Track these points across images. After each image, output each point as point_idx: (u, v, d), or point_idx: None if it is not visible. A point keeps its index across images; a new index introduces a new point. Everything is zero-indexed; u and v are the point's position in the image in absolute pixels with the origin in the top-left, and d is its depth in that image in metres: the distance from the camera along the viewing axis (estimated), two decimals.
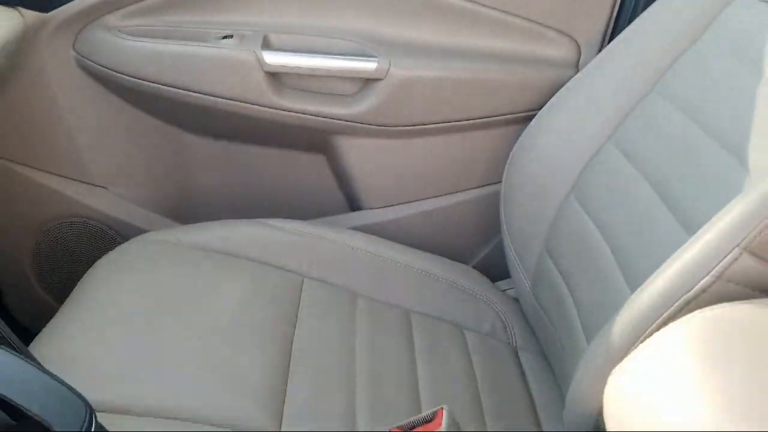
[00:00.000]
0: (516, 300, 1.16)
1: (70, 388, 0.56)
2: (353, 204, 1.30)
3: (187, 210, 1.30)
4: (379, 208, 1.29)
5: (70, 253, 1.29)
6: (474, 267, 1.26)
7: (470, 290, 1.15)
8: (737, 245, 0.56)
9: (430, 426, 0.64)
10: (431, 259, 1.18)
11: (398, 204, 1.28)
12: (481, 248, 1.30)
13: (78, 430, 0.54)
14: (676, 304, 0.58)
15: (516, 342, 1.09)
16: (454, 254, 1.25)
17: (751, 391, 0.43)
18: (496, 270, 1.25)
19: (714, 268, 0.57)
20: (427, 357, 0.98)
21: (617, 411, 0.50)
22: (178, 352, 0.85)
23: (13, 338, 0.60)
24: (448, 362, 0.99)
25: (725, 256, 0.57)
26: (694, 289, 0.58)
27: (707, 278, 0.57)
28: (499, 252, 1.18)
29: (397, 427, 0.66)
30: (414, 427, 0.65)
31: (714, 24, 0.93)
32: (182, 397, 0.79)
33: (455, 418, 0.64)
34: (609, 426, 0.52)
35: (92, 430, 0.55)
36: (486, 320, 1.11)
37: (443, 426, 0.62)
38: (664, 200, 0.80)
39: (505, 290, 1.21)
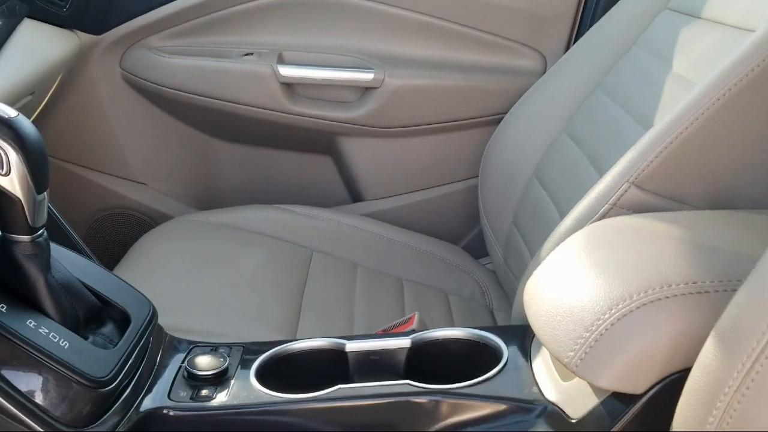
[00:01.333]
0: (493, 272, 1.34)
1: (139, 292, 0.76)
2: (355, 196, 1.50)
3: (212, 202, 1.50)
4: (378, 199, 1.48)
5: (116, 239, 1.49)
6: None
7: (455, 263, 1.34)
8: (627, 181, 0.75)
9: (405, 326, 0.83)
10: (422, 238, 1.37)
11: (394, 195, 1.48)
12: (466, 233, 1.49)
13: (146, 317, 0.73)
14: (585, 226, 0.77)
15: (492, 304, 1.27)
16: (443, 237, 1.44)
17: (616, 259, 0.61)
18: (477, 250, 1.43)
19: (611, 198, 0.76)
20: (414, 310, 1.16)
21: (528, 303, 0.68)
22: (212, 296, 1.04)
23: (95, 260, 0.80)
24: (431, 317, 1.17)
25: (618, 190, 0.76)
26: (597, 215, 0.76)
27: (606, 206, 0.76)
28: (481, 236, 1.37)
29: (382, 330, 0.85)
30: (394, 328, 0.84)
31: (644, 33, 1.13)
32: (216, 325, 0.98)
33: (425, 321, 0.83)
34: (528, 319, 0.69)
35: (155, 320, 0.75)
36: (467, 287, 1.29)
37: (414, 325, 0.81)
38: (594, 166, 0.99)
39: (485, 264, 1.40)
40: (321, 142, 1.45)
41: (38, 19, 1.23)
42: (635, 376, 0.56)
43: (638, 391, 0.57)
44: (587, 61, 1.21)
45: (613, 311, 0.57)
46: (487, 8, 1.38)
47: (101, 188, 1.46)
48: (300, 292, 1.12)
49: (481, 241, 1.37)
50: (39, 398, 0.60)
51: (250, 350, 0.77)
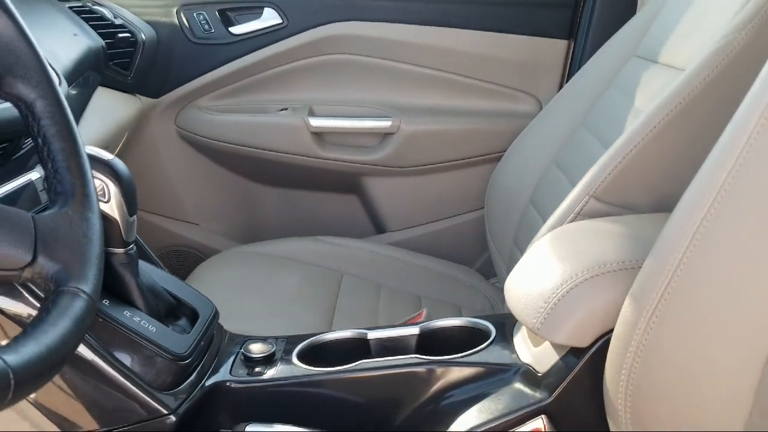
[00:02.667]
0: (501, 288, 1.51)
1: (203, 295, 0.95)
2: (379, 228, 1.69)
3: (254, 236, 1.70)
4: (398, 230, 1.67)
5: (176, 271, 1.70)
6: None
7: (467, 282, 1.51)
8: (587, 194, 0.93)
9: (416, 319, 1.00)
10: (438, 261, 1.55)
11: (413, 226, 1.67)
12: (477, 256, 1.67)
13: (210, 313, 0.92)
14: None
15: None
16: (457, 261, 1.62)
17: (569, 250, 0.79)
18: (488, 271, 1.61)
19: (575, 209, 0.94)
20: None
21: (508, 289, 0.85)
22: (259, 308, 1.23)
23: (168, 272, 1.00)
24: None
25: (580, 202, 0.93)
26: (564, 223, 0.94)
27: (571, 216, 0.94)
28: (490, 258, 1.54)
29: (400, 323, 1.02)
30: (407, 321, 1.01)
31: (616, 77, 1.31)
32: (264, 329, 1.16)
33: (431, 315, 1.01)
34: (507, 302, 0.86)
35: (217, 316, 0.94)
36: (478, 301, 1.46)
37: (423, 318, 0.99)
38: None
39: (494, 283, 1.57)
40: (347, 182, 1.65)
41: (108, 87, 1.47)
42: (581, 333, 0.74)
43: (584, 344, 0.74)
44: (572, 103, 1.40)
45: (563, 286, 0.74)
46: (487, 61, 1.58)
47: (161, 229, 1.68)
48: (332, 307, 1.30)
49: (491, 263, 1.54)
50: (135, 367, 0.80)
51: (292, 341, 0.96)
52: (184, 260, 1.69)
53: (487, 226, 1.51)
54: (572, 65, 1.57)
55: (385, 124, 1.57)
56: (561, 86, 1.59)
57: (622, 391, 0.66)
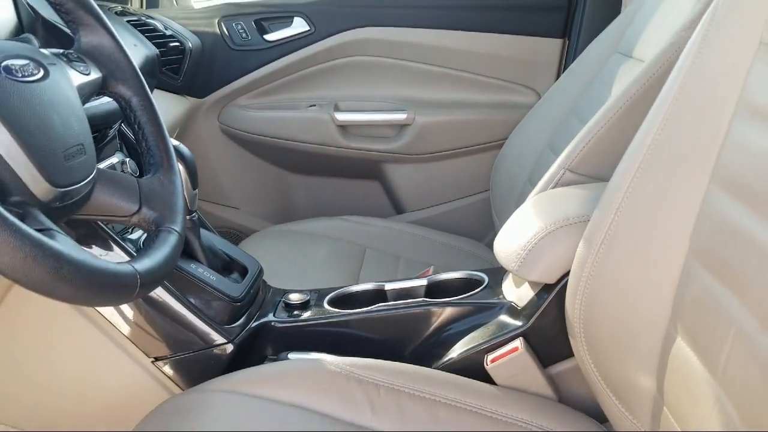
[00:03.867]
0: None
1: (251, 256, 1.15)
2: (398, 209, 1.89)
3: (287, 217, 1.90)
4: (415, 210, 1.87)
5: None
6: None
7: (475, 253, 1.69)
8: (563, 168, 1.12)
9: (425, 274, 1.19)
10: (451, 236, 1.74)
11: (428, 207, 1.86)
12: (484, 233, 1.86)
13: (257, 269, 1.13)
14: None
15: None
16: (467, 236, 1.81)
17: (541, 209, 0.98)
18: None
19: (553, 181, 1.12)
20: None
21: (497, 244, 1.03)
22: (294, 274, 1.43)
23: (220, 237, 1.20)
24: None
25: (557, 175, 1.12)
26: (547, 191, 1.13)
27: (551, 185, 1.12)
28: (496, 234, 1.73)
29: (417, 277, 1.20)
30: (418, 276, 1.20)
31: (600, 70, 1.49)
32: (300, 286, 1.37)
33: (438, 271, 1.20)
34: (496, 254, 1.04)
35: (262, 272, 1.14)
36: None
37: (430, 273, 1.18)
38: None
39: None
40: (369, 168, 1.85)
41: (161, 89, 1.68)
42: (550, 272, 0.93)
43: (552, 281, 0.93)
44: (564, 94, 1.58)
45: (536, 236, 0.93)
46: (491, 59, 1.77)
47: (207, 213, 1.89)
48: (356, 273, 1.50)
49: None
50: (201, 306, 1.00)
51: (323, 292, 1.16)
52: (227, 240, 1.90)
53: (492, 205, 1.69)
54: (567, 61, 1.75)
55: (401, 116, 1.77)
56: (557, 80, 1.76)
57: (577, 311, 0.85)
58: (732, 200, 0.69)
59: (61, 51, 0.75)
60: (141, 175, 0.82)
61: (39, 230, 0.54)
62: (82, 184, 0.66)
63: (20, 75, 0.63)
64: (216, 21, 1.79)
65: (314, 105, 1.81)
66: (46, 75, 0.66)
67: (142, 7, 1.88)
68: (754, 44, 0.72)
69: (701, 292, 0.71)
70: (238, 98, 1.83)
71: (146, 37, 1.59)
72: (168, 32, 1.68)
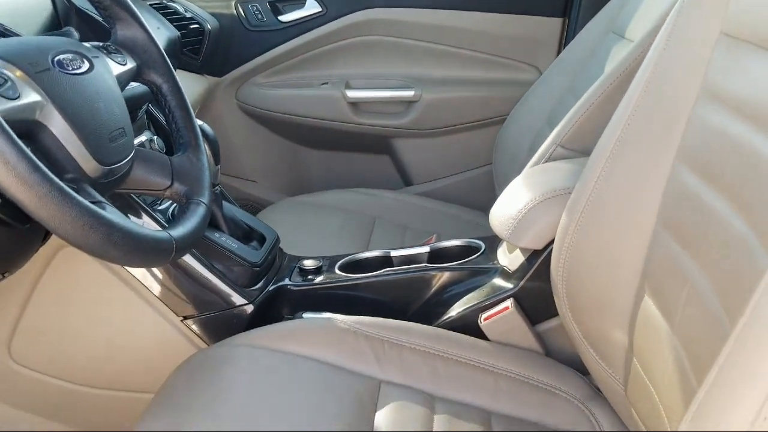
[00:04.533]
0: None
1: (269, 226, 1.25)
2: (406, 181, 1.98)
3: (302, 190, 2.00)
4: (422, 183, 1.96)
5: None
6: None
7: (479, 223, 1.77)
8: (555, 143, 1.20)
9: (428, 242, 1.29)
10: (455, 207, 1.82)
11: (434, 179, 1.95)
12: (487, 204, 1.93)
13: (274, 238, 1.23)
14: None
15: None
16: (470, 208, 1.90)
17: (531, 182, 1.07)
18: None
19: (546, 156, 1.21)
20: None
21: (492, 214, 1.13)
22: (309, 240, 1.53)
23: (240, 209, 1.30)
24: None
25: (550, 149, 1.20)
26: (539, 165, 1.22)
27: (543, 160, 1.21)
28: None
29: (421, 244, 1.30)
30: (421, 244, 1.30)
31: (595, 49, 1.57)
32: (313, 254, 1.47)
33: (441, 238, 1.29)
34: (491, 223, 1.14)
35: (279, 240, 1.24)
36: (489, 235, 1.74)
37: (433, 241, 1.28)
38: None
39: None
40: (379, 143, 1.94)
41: (182, 69, 1.77)
42: (538, 239, 1.02)
43: (540, 247, 1.02)
44: (562, 72, 1.65)
45: (526, 206, 1.03)
46: (494, 38, 1.85)
47: (226, 186, 1.99)
48: (366, 243, 1.59)
49: None
50: (224, 270, 1.10)
51: (335, 259, 1.26)
52: (246, 211, 2.00)
53: (495, 177, 1.78)
54: (567, 39, 1.82)
55: (408, 93, 1.85)
56: (557, 56, 1.83)
57: (560, 274, 0.94)
58: (693, 175, 0.78)
59: (101, 44, 0.84)
60: (167, 152, 0.92)
61: (92, 203, 0.63)
62: (123, 162, 0.76)
63: (70, 68, 0.72)
64: (233, 3, 1.87)
65: (326, 83, 1.90)
66: (92, 67, 0.76)
67: None
68: (714, 34, 0.80)
69: (665, 255, 0.80)
70: (254, 77, 1.91)
71: (168, 19, 1.67)
72: (188, 14, 1.76)
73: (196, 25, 1.76)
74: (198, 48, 1.77)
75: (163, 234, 0.71)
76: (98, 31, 1.23)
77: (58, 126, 0.67)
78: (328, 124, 1.90)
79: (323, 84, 1.90)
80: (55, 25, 1.15)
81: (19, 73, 0.66)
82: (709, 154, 0.76)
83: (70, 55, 0.74)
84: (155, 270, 1.06)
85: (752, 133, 0.68)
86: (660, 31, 0.89)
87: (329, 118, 1.89)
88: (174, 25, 1.67)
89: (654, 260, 0.83)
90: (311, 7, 1.87)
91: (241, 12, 1.87)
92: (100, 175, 0.72)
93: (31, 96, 0.66)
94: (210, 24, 1.80)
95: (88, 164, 0.70)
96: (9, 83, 0.64)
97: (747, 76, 0.73)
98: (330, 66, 1.91)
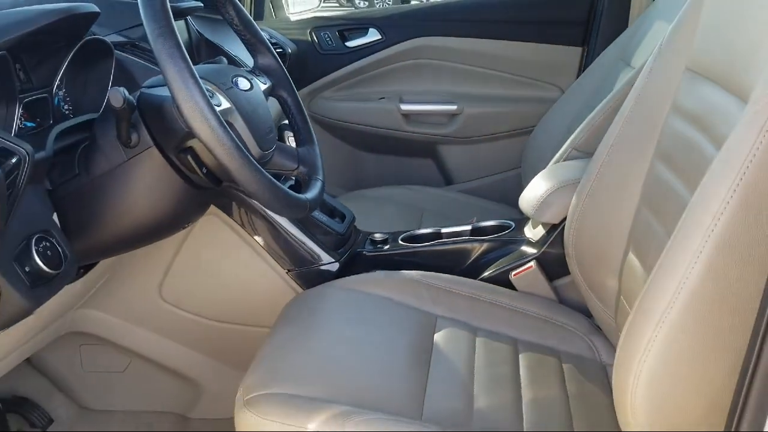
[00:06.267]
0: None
1: (346, 207, 1.59)
2: (448, 181, 2.31)
3: (357, 188, 2.33)
4: (461, 182, 2.29)
5: None
6: None
7: (509, 215, 2.10)
8: (571, 147, 1.52)
9: (470, 221, 1.61)
10: (489, 202, 2.14)
11: (472, 180, 2.28)
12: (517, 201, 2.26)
13: (352, 216, 1.56)
14: None
15: None
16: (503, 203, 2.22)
17: (549, 176, 1.39)
18: None
19: (564, 156, 1.52)
20: None
21: (522, 198, 1.45)
22: (371, 223, 1.87)
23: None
24: None
25: (567, 152, 1.52)
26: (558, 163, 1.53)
27: (561, 159, 1.52)
28: None
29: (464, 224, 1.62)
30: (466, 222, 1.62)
31: (608, 74, 1.88)
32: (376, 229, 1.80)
33: (479, 221, 1.62)
34: (521, 207, 1.46)
35: (354, 219, 1.58)
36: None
37: (474, 221, 1.60)
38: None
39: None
40: (426, 148, 2.27)
41: None
42: (555, 215, 1.34)
43: (556, 221, 1.34)
44: (579, 92, 1.96)
45: (546, 192, 1.35)
46: (524, 63, 2.17)
47: None
48: (418, 227, 1.92)
49: None
50: (319, 236, 1.44)
51: (396, 234, 1.59)
52: None
53: (523, 179, 2.10)
54: (585, 64, 2.14)
55: (452, 107, 2.19)
56: (576, 79, 2.15)
57: (571, 240, 1.26)
58: (664, 167, 1.09)
59: (249, 68, 1.19)
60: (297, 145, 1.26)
61: None
62: (272, 150, 1.10)
63: (241, 86, 1.07)
64: (308, 31, 2.23)
65: (383, 97, 2.24)
66: (252, 86, 1.10)
67: None
68: (682, 67, 1.12)
69: (644, 224, 1.12)
70: (324, 92, 2.26)
71: None
72: (273, 40, 2.11)
73: (280, 49, 2.10)
74: None
75: (303, 197, 1.05)
76: (214, 55, 1.58)
77: (239, 124, 1.02)
78: (384, 132, 2.24)
79: (381, 98, 2.24)
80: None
81: (216, 89, 1.01)
82: (674, 152, 1.08)
83: (240, 78, 1.09)
84: (271, 234, 1.40)
85: (700, 137, 1.00)
86: (646, 64, 1.21)
87: (385, 127, 2.23)
88: None
89: (637, 228, 1.15)
90: (372, 35, 2.22)
91: (315, 38, 2.23)
92: (260, 157, 1.06)
93: (225, 104, 1.00)
94: (290, 48, 2.15)
95: (255, 149, 1.04)
96: (214, 96, 0.99)
97: (701, 99, 1.05)
98: (387, 83, 2.25)
